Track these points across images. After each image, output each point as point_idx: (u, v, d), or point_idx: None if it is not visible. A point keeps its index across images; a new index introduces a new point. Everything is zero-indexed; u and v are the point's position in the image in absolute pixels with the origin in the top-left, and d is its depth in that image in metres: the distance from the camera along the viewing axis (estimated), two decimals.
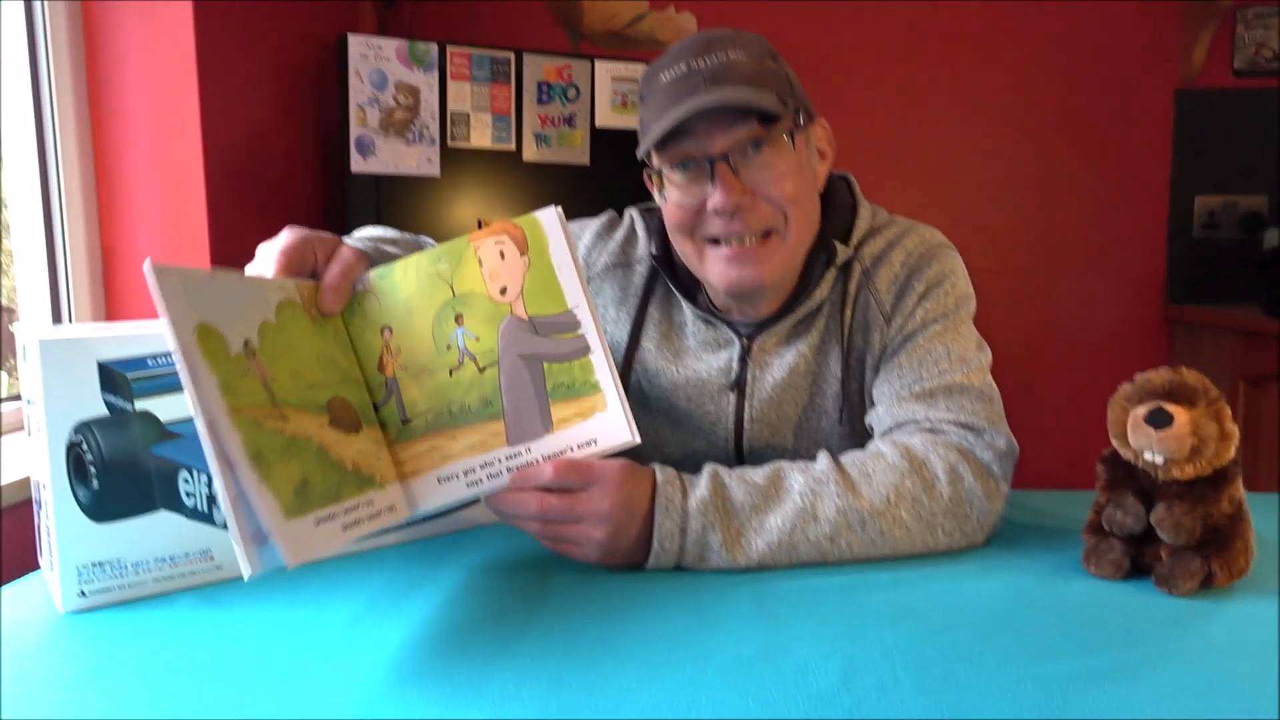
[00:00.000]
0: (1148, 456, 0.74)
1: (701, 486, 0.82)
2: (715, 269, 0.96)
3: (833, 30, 2.70)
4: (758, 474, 0.85)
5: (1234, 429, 0.74)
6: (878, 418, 0.96)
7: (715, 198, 0.92)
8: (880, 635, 0.67)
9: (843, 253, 1.00)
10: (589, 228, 1.13)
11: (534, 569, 0.82)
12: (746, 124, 0.91)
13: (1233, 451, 0.75)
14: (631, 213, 1.13)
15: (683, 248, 1.00)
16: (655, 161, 0.96)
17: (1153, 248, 2.74)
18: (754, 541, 0.80)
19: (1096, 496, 0.80)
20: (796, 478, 0.84)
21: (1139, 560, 0.78)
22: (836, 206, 1.04)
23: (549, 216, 0.80)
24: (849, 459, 0.87)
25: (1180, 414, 0.73)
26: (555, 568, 0.82)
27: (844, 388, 1.00)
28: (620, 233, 1.11)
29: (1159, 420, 0.73)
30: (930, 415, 0.91)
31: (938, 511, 0.84)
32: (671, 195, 0.96)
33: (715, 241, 0.95)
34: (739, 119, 0.91)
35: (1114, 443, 0.78)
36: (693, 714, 0.56)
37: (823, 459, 0.87)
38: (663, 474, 0.82)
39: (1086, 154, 2.72)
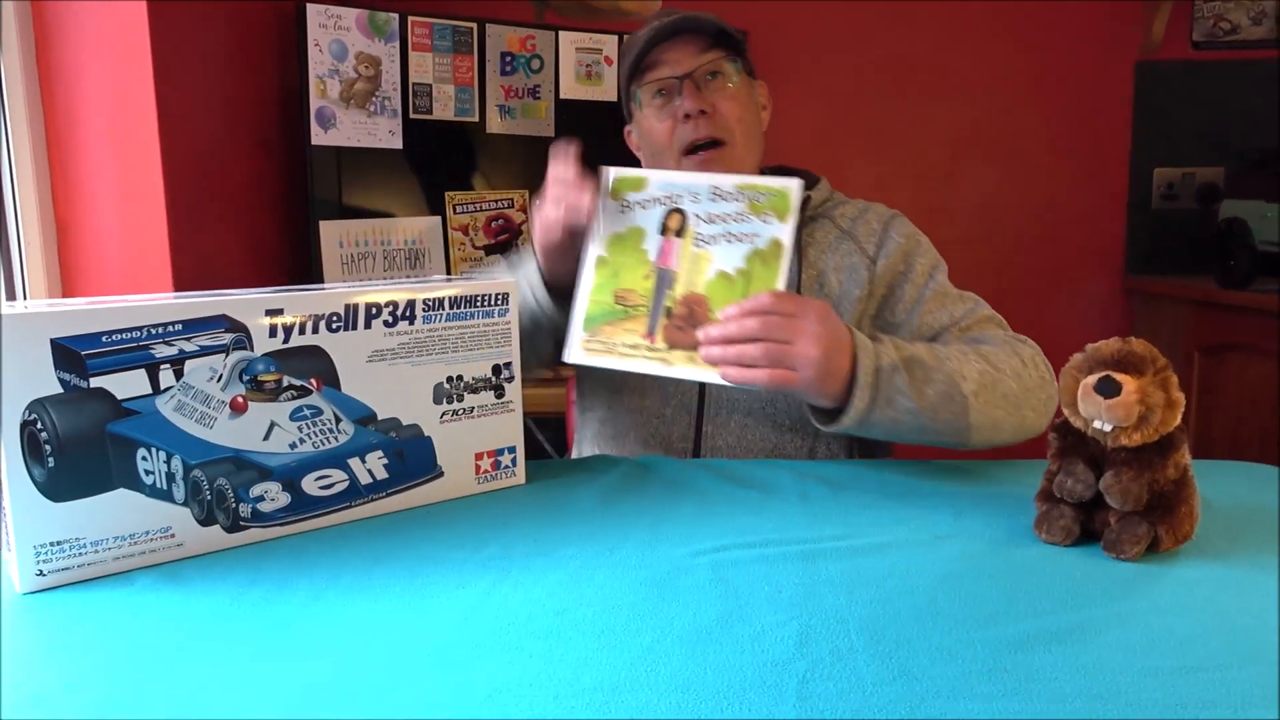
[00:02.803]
0: (1097, 425, 0.76)
1: (885, 341, 0.98)
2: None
3: (800, 7, 2.69)
4: (917, 344, 1.01)
5: (1180, 397, 0.76)
6: None
7: (684, 104, 1.16)
8: (836, 602, 0.68)
9: None
10: None
11: (497, 543, 0.82)
12: (707, 54, 1.17)
13: (1179, 419, 0.77)
14: None
15: (665, 165, 1.20)
16: (635, 88, 1.21)
17: (1112, 219, 2.77)
18: (925, 390, 0.95)
19: (1048, 464, 0.82)
20: (941, 348, 1.01)
21: (1089, 526, 0.80)
22: (804, 177, 1.19)
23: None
24: (967, 340, 1.08)
25: (1128, 383, 0.75)
26: (517, 541, 0.83)
27: None
28: None
29: (1108, 389, 0.75)
30: (987, 336, 1.11)
31: (1032, 386, 1.03)
32: (652, 118, 1.20)
33: (688, 155, 1.17)
34: (702, 50, 1.17)
35: (1065, 411, 0.80)
36: (651, 682, 0.57)
37: (950, 341, 1.08)
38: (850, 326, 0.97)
39: (1048, 125, 2.74)
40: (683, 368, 0.94)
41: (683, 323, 0.95)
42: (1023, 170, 2.76)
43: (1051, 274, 2.78)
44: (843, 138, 2.72)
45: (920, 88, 2.74)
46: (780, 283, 0.92)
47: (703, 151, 1.17)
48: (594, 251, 1.01)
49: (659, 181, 0.99)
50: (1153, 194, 2.73)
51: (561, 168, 1.04)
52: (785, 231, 0.93)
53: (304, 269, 2.01)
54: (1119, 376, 0.75)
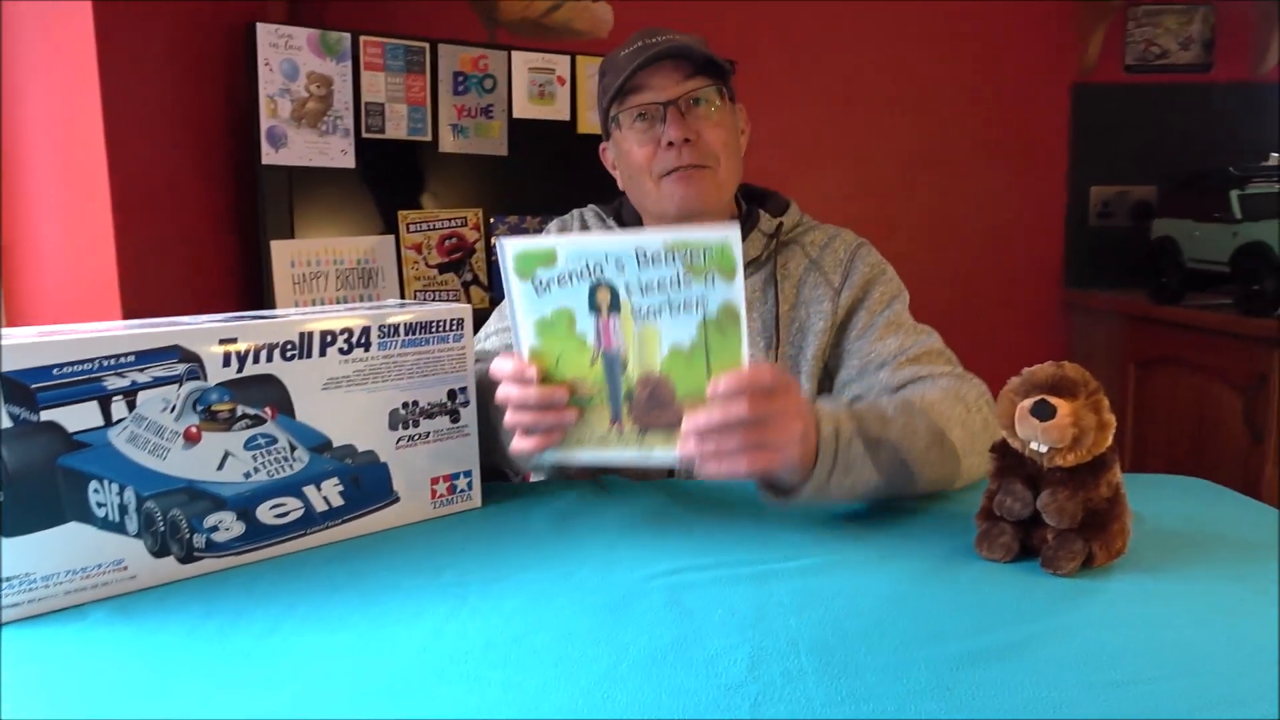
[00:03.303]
0: (1033, 446, 0.79)
1: (838, 405, 0.94)
2: (668, 193, 1.17)
3: (750, 23, 2.74)
4: (864, 404, 0.98)
5: (1111, 419, 0.80)
6: (883, 380, 1.13)
7: (669, 132, 1.15)
8: (787, 624, 0.70)
9: (767, 220, 1.23)
10: (552, 225, 1.34)
11: (454, 569, 0.83)
12: (692, 80, 1.16)
13: (1110, 439, 0.80)
14: (579, 210, 1.35)
15: (642, 186, 1.20)
16: (615, 111, 1.20)
17: (1051, 235, 2.85)
18: (880, 454, 0.92)
19: (988, 483, 0.86)
20: (889, 406, 0.98)
21: (1027, 543, 0.83)
22: (774, 202, 1.28)
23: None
24: (911, 393, 1.03)
25: (1062, 406, 0.78)
26: (474, 567, 0.83)
27: (775, 351, 1.19)
28: (575, 225, 1.32)
29: (1043, 412, 0.78)
30: (931, 369, 1.11)
31: (976, 431, 1.00)
32: (632, 141, 1.19)
33: (667, 175, 1.17)
34: (686, 76, 1.16)
35: (1004, 433, 0.83)
36: (608, 708, 0.58)
37: (890, 399, 1.02)
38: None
39: (990, 144, 2.81)
40: (662, 451, 0.87)
41: (648, 405, 0.86)
42: (967, 186, 2.83)
43: (994, 286, 2.86)
44: (794, 152, 2.77)
45: (868, 107, 2.80)
46: (744, 353, 0.83)
47: (683, 171, 1.16)
48: (525, 343, 0.88)
49: (571, 251, 0.84)
50: (1089, 211, 2.81)
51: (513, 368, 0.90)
52: (736, 293, 0.82)
53: (255, 289, 1.99)
54: (1053, 400, 0.78)
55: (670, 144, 1.15)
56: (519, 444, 0.90)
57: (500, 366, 0.91)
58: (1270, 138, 2.72)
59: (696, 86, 1.16)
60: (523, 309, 0.87)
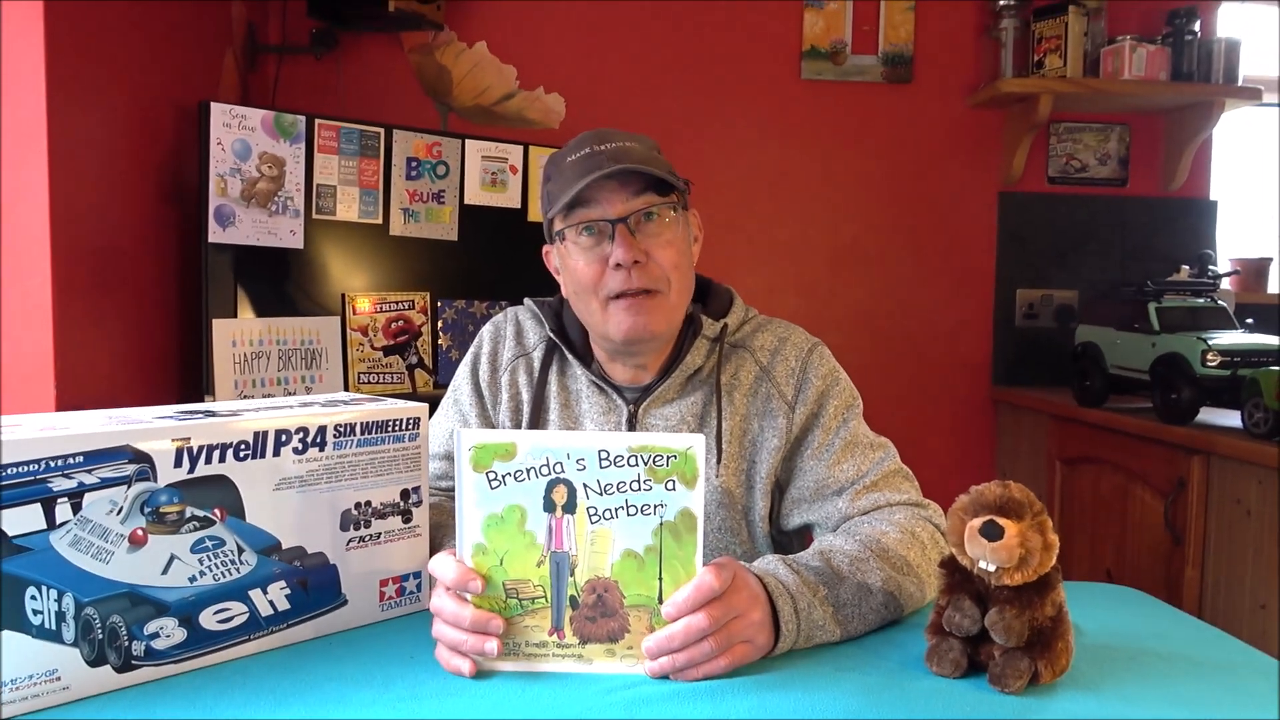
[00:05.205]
0: (982, 565, 0.82)
1: (789, 575, 0.91)
2: (615, 319, 1.11)
3: (690, 118, 2.83)
4: (811, 559, 0.96)
5: (1055, 539, 0.83)
6: (841, 509, 1.12)
7: (617, 253, 1.08)
8: None
9: (709, 326, 1.18)
10: (483, 340, 1.27)
11: (405, 681, 0.81)
12: (642, 196, 1.10)
13: (1054, 559, 0.83)
14: (514, 310, 1.29)
15: (588, 305, 1.14)
16: (560, 225, 1.13)
17: (981, 334, 2.97)
18: (840, 613, 0.92)
19: (937, 599, 0.87)
20: (841, 559, 0.97)
21: (975, 658, 0.85)
22: (716, 299, 1.24)
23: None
24: (868, 533, 1.02)
25: (1010, 527, 0.81)
26: (426, 678, 0.82)
27: (719, 458, 1.15)
28: (509, 329, 1.27)
29: (991, 533, 0.80)
30: (889, 497, 1.11)
31: (932, 573, 0.99)
32: (578, 258, 1.12)
33: (615, 298, 1.11)
34: (636, 192, 1.10)
35: (953, 550, 0.85)
36: None
37: (848, 541, 1.01)
38: (752, 569, 0.91)
39: (924, 248, 2.93)
40: (603, 663, 0.84)
41: (593, 613, 0.83)
42: (901, 286, 2.94)
43: (927, 382, 2.94)
44: (730, 249, 2.84)
45: (805, 205, 2.90)
46: (698, 559, 0.83)
47: (631, 298, 1.10)
48: (469, 540, 0.84)
49: (532, 448, 0.83)
50: (1016, 313, 2.94)
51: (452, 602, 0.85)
52: (696, 500, 0.83)
53: (195, 367, 1.95)
54: (1001, 520, 0.81)
55: (618, 265, 1.09)
56: (445, 661, 0.85)
57: (441, 570, 0.85)
58: (1180, 249, 2.90)
59: (647, 204, 1.10)
60: (472, 502, 0.83)
